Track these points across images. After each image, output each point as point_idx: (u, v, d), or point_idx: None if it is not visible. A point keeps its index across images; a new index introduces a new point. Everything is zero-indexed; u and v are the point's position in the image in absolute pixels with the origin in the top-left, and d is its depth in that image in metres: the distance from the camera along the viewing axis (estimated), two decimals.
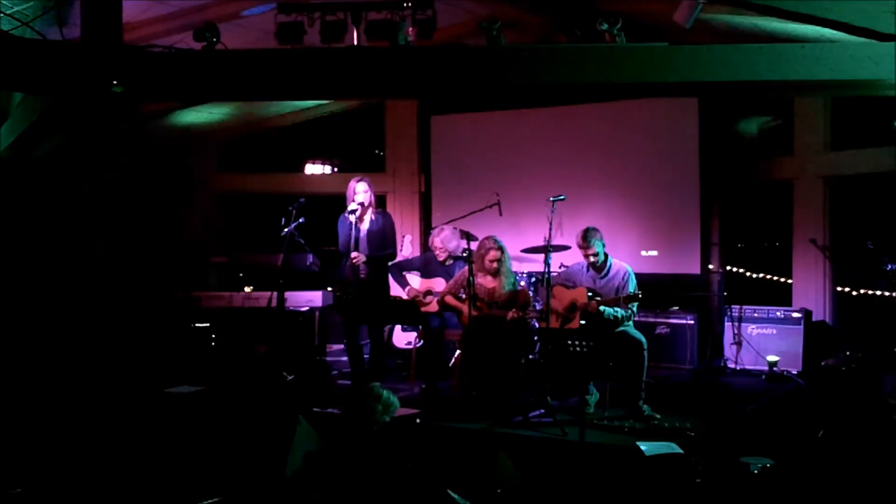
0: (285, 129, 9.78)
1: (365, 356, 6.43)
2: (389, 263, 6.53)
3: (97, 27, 5.18)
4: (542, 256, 5.97)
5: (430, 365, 6.42)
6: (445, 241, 6.59)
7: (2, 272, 7.20)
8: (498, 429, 5.34)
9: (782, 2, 4.92)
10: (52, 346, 6.98)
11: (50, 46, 5.30)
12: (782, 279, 8.17)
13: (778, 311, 7.55)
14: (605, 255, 5.91)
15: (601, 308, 5.66)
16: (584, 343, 5.01)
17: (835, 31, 4.86)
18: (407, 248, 7.44)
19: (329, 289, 7.58)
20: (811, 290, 7.83)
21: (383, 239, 6.26)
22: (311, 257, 7.12)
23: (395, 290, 6.69)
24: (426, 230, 8.80)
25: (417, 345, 6.78)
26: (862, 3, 4.73)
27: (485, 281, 6.18)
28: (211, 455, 4.88)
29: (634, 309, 5.82)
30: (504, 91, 5.78)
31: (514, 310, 6.08)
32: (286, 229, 6.35)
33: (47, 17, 5.54)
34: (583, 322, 5.76)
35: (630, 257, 6.93)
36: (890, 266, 6.55)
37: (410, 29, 5.27)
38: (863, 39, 4.80)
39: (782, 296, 8.03)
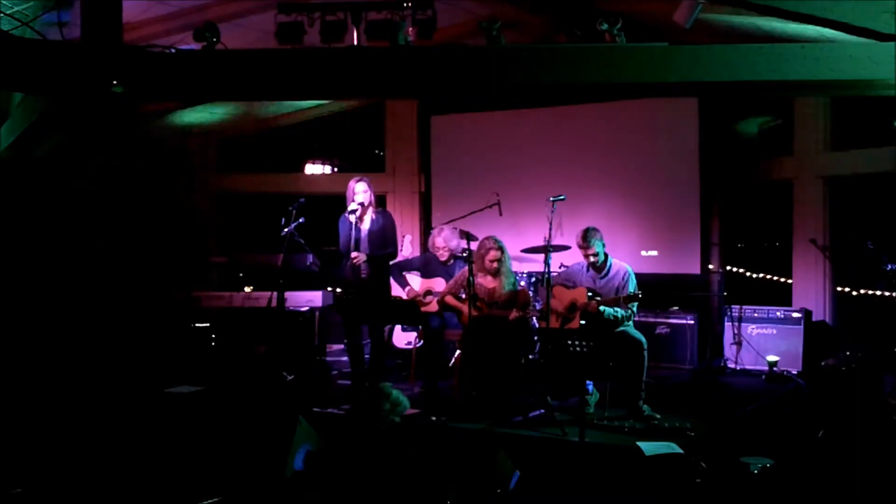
0: (285, 129, 9.78)
1: (365, 356, 6.43)
2: (390, 263, 6.53)
3: (97, 27, 5.18)
4: (542, 256, 5.97)
5: (430, 365, 6.42)
6: (447, 239, 6.60)
7: (2, 272, 7.20)
8: (498, 429, 5.34)
9: (782, 2, 4.92)
10: (53, 346, 6.98)
11: (50, 46, 5.30)
12: (782, 279, 8.17)
13: (778, 311, 7.56)
14: (606, 255, 5.91)
15: (601, 308, 5.66)
16: (584, 343, 5.01)
17: (835, 31, 4.86)
18: (407, 248, 7.44)
19: (329, 289, 7.58)
20: (811, 290, 7.83)
21: (384, 238, 6.26)
22: (311, 257, 7.12)
23: (395, 290, 6.69)
24: (426, 230, 8.80)
25: (417, 345, 6.78)
26: (862, 3, 4.72)
27: (485, 281, 6.18)
28: (211, 455, 4.88)
29: (634, 309, 5.82)
30: (504, 91, 5.77)
31: (515, 310, 6.08)
32: (286, 229, 6.35)
33: (47, 17, 5.54)
34: (583, 322, 5.76)
35: (630, 257, 6.93)
36: (890, 266, 6.55)
37: (410, 29, 5.26)
38: (863, 39, 4.80)
39: (782, 296, 8.03)
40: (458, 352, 6.48)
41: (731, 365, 7.51)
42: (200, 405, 5.99)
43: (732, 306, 7.62)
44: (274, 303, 6.60)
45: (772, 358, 7.18)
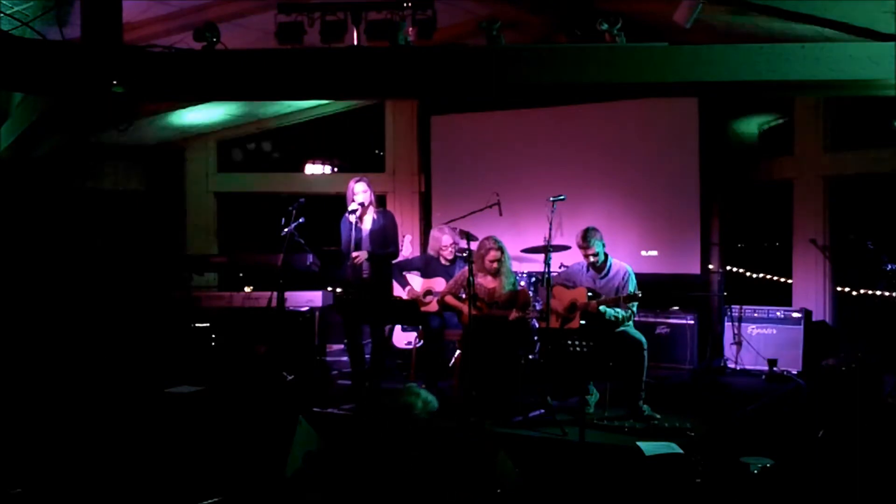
0: (285, 129, 9.78)
1: (366, 356, 6.43)
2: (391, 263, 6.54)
3: (97, 27, 5.18)
4: (542, 256, 5.97)
5: (430, 365, 6.42)
6: (449, 237, 6.64)
7: (2, 272, 7.20)
8: (498, 429, 5.34)
9: (782, 2, 4.92)
10: (53, 345, 6.98)
11: (50, 46, 5.30)
12: (782, 279, 8.17)
13: (778, 311, 7.56)
14: (606, 255, 5.91)
15: (602, 308, 5.66)
16: (584, 343, 5.01)
17: (835, 31, 4.86)
18: (407, 248, 7.43)
19: (329, 289, 7.58)
20: (811, 290, 7.83)
21: (385, 237, 6.25)
22: (311, 257, 7.11)
23: (396, 289, 6.69)
24: (426, 230, 8.79)
25: (417, 345, 6.78)
26: (862, 3, 4.73)
27: (485, 281, 6.18)
28: (211, 455, 4.88)
29: (634, 309, 5.82)
30: (504, 91, 5.77)
31: (515, 310, 6.08)
32: (286, 229, 6.34)
33: (47, 17, 5.53)
34: (583, 322, 5.76)
35: (630, 257, 6.92)
36: (890, 266, 6.55)
37: (410, 29, 5.26)
38: (863, 39, 4.80)
39: (782, 296, 8.03)
40: (458, 352, 6.48)
41: (731, 365, 7.51)
42: (200, 405, 5.99)
43: (732, 306, 7.62)
44: (274, 303, 6.59)
45: (772, 358, 7.18)
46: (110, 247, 8.80)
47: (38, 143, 7.44)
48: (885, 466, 4.53)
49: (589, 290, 5.82)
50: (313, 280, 7.43)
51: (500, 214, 7.48)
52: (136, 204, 9.47)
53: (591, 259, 5.87)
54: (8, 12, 5.35)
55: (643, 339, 5.68)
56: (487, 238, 6.23)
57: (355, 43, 5.31)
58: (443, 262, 6.80)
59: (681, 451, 4.72)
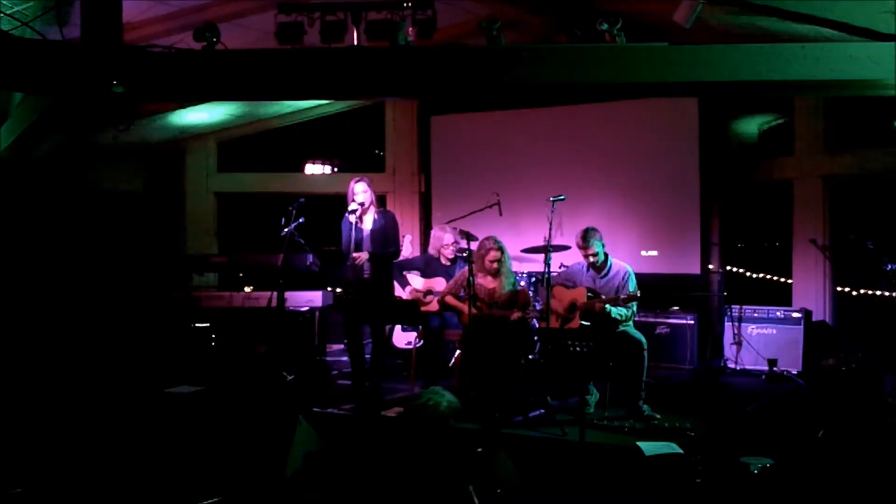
0: (285, 129, 9.78)
1: (366, 356, 6.43)
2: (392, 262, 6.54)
3: (97, 27, 5.18)
4: (542, 256, 5.96)
5: (430, 365, 6.42)
6: (451, 236, 6.64)
7: (2, 272, 7.21)
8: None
9: (782, 2, 4.92)
10: (53, 345, 6.98)
11: (50, 46, 5.30)
12: (782, 279, 8.17)
13: (778, 311, 7.55)
14: (606, 255, 5.91)
15: (607, 308, 5.64)
16: (584, 343, 5.01)
17: (835, 31, 4.86)
18: (407, 248, 7.42)
19: (329, 289, 7.58)
20: (811, 290, 7.83)
21: (386, 237, 6.25)
22: (311, 257, 7.11)
23: (396, 289, 6.69)
24: (426, 230, 8.79)
25: (417, 345, 6.78)
26: (862, 3, 4.73)
27: (485, 281, 6.18)
28: (211, 455, 4.88)
29: (635, 308, 5.82)
30: (504, 91, 5.77)
31: (516, 310, 6.08)
32: (286, 229, 6.34)
33: (47, 17, 5.54)
34: (583, 322, 5.76)
35: (630, 257, 6.92)
36: (890, 266, 6.55)
37: (410, 29, 5.26)
38: (863, 39, 4.80)
39: (782, 296, 8.03)
40: (458, 352, 6.48)
41: (731, 365, 7.51)
42: (200, 405, 5.99)
43: (732, 306, 7.62)
44: (274, 303, 6.59)
45: (772, 358, 7.17)
46: (110, 247, 8.80)
47: (38, 143, 7.44)
48: (885, 466, 4.53)
49: (589, 290, 5.82)
50: (313, 280, 7.43)
51: (500, 214, 7.48)
52: (135, 204, 9.48)
53: (591, 259, 5.87)
54: (8, 12, 5.35)
55: (643, 339, 5.68)
56: (487, 238, 6.23)
57: (355, 43, 5.31)
58: (443, 261, 6.80)
59: (681, 451, 4.72)
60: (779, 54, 4.89)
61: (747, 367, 7.46)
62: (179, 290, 7.69)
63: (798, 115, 7.95)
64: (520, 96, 7.91)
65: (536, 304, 6.62)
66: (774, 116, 8.42)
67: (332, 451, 4.55)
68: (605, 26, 5.07)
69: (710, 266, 7.93)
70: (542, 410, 5.60)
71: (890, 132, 7.58)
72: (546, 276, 5.78)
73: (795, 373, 7.22)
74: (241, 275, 7.90)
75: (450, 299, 6.34)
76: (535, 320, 6.45)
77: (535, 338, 6.45)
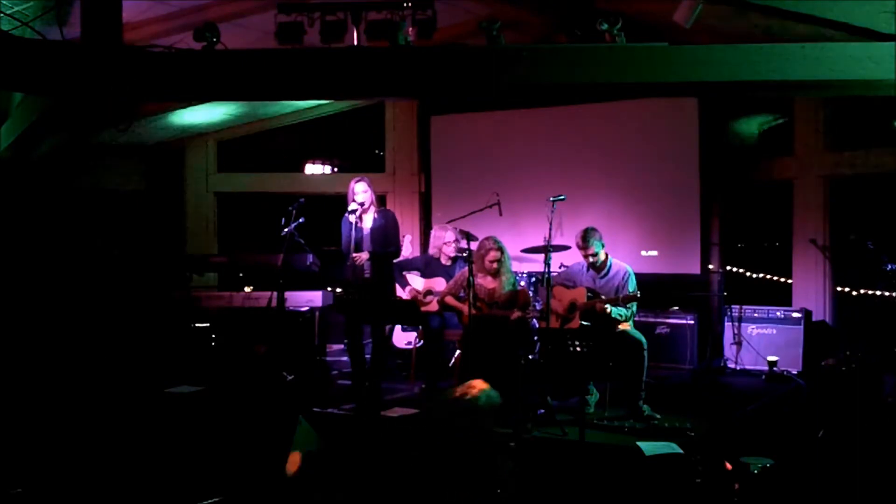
0: (285, 129, 9.78)
1: (366, 356, 6.43)
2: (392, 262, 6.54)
3: (97, 27, 5.18)
4: (542, 256, 5.96)
5: (430, 365, 6.42)
6: (452, 234, 6.65)
7: (2, 272, 7.21)
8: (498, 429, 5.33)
9: (782, 2, 4.91)
10: (53, 345, 6.98)
11: (50, 46, 5.30)
12: (782, 279, 8.17)
13: (778, 311, 7.56)
14: (606, 256, 5.91)
15: (607, 308, 5.64)
16: (584, 343, 5.01)
17: (835, 31, 4.86)
18: (407, 248, 7.42)
19: (329, 289, 7.58)
20: (811, 290, 7.83)
21: (386, 237, 6.25)
22: (311, 257, 7.11)
23: (396, 289, 6.69)
24: (426, 230, 8.80)
25: (417, 345, 6.78)
26: (862, 3, 4.73)
27: (485, 281, 6.18)
28: (211, 455, 4.88)
29: (634, 308, 5.82)
30: (504, 91, 5.77)
31: (517, 310, 6.08)
32: (286, 229, 6.34)
33: (47, 17, 5.54)
34: (583, 322, 5.76)
35: (630, 257, 6.93)
36: (890, 266, 6.55)
37: (410, 29, 5.25)
38: (863, 39, 4.79)
39: (782, 296, 8.03)
40: (458, 352, 6.49)
41: (731, 365, 7.52)
42: (200, 405, 5.99)
43: (732, 306, 7.62)
44: (274, 303, 6.59)
45: (772, 358, 7.18)
46: (110, 247, 8.80)
47: (38, 143, 7.45)
48: (885, 466, 4.53)
49: (589, 290, 5.82)
50: (313, 280, 7.43)
51: (500, 214, 7.48)
52: (135, 204, 9.48)
53: (591, 259, 5.87)
54: (8, 12, 5.35)
55: (643, 339, 5.68)
56: (487, 238, 6.23)
57: (355, 43, 5.30)
58: (443, 262, 6.80)
59: (681, 451, 4.72)
60: (779, 54, 4.88)
61: (747, 367, 7.46)
62: (179, 289, 7.68)
63: (798, 115, 7.96)
64: (520, 96, 7.91)
65: (536, 304, 6.62)
66: (774, 116, 8.42)
67: (332, 451, 4.55)
68: (605, 26, 5.06)
69: (710, 266, 7.93)
70: (542, 410, 5.60)
71: (890, 132, 7.58)
72: (546, 276, 5.78)
73: (795, 373, 7.22)
74: (241, 275, 7.90)
75: (450, 299, 6.34)
76: (535, 320, 6.45)
77: (535, 338, 6.45)
